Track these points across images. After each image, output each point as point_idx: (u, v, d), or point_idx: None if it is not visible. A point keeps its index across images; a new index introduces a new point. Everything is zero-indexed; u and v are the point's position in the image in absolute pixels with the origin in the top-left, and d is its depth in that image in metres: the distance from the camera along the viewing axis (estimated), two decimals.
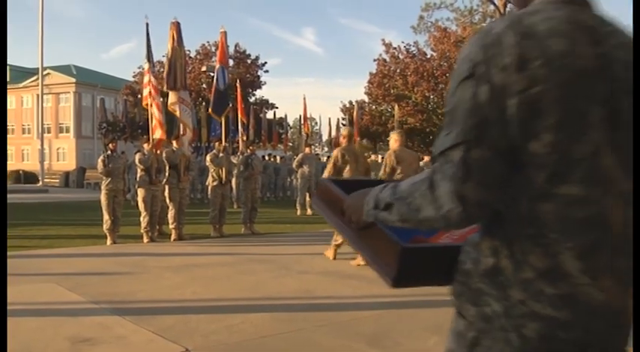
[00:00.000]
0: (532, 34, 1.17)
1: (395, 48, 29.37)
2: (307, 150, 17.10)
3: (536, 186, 1.18)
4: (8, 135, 68.05)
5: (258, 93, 38.10)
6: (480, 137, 1.16)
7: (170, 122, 13.87)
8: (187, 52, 25.77)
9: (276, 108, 38.75)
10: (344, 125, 31.80)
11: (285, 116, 36.99)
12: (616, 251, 1.20)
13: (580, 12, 1.26)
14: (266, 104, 37.53)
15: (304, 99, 27.71)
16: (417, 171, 7.99)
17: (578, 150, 1.16)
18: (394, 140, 8.31)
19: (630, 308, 1.24)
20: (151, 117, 11.28)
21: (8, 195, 19.03)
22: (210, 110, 14.04)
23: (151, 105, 11.26)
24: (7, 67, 66.88)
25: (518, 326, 1.19)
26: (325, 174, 8.04)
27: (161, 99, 11.87)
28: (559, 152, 1.16)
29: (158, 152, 10.38)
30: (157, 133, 11.09)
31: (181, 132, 11.66)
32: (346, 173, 7.78)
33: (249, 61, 36.56)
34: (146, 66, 11.87)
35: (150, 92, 11.47)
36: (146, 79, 11.73)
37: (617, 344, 1.26)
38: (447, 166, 1.17)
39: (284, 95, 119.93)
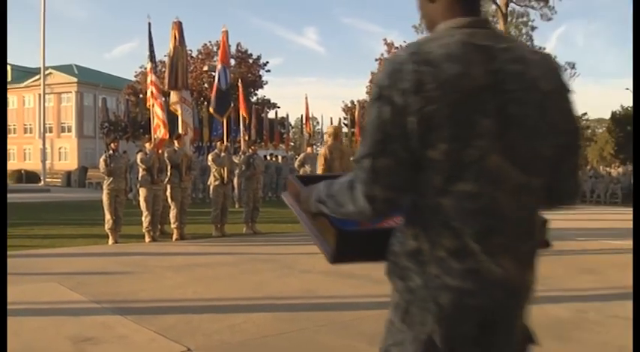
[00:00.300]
0: (428, 61, 1.40)
1: (397, 47, 29.39)
2: (309, 149, 17.05)
3: (437, 184, 1.42)
4: (10, 135, 68.15)
5: (260, 92, 38.17)
6: (384, 149, 1.41)
7: (171, 122, 13.86)
8: (189, 52, 25.77)
9: (278, 107, 38.87)
10: (345, 125, 31.85)
11: (287, 115, 37.01)
12: (511, 235, 1.46)
13: (476, 34, 1.47)
14: (268, 104, 37.53)
15: (306, 98, 27.75)
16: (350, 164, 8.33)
17: (468, 155, 1.40)
18: (328, 135, 8.76)
19: (528, 283, 1.53)
20: (153, 117, 11.27)
21: (10, 195, 19.07)
22: (211, 110, 14.05)
23: (153, 105, 11.25)
24: (10, 67, 67.01)
25: (435, 296, 1.44)
26: (319, 171, 8.20)
27: (163, 99, 11.87)
28: (452, 158, 1.40)
29: (160, 151, 10.38)
30: (159, 133, 11.09)
31: (183, 132, 11.65)
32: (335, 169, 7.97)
33: (250, 61, 36.58)
34: (149, 65, 11.87)
35: (152, 92, 11.47)
36: (149, 78, 11.74)
37: (515, 311, 1.53)
38: (360, 172, 1.45)
39: (286, 95, 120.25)
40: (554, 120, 1.51)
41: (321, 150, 8.64)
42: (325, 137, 9.21)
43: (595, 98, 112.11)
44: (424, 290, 1.45)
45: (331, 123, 31.69)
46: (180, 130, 11.71)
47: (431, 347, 1.44)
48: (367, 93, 31.24)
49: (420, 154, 1.41)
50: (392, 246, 1.54)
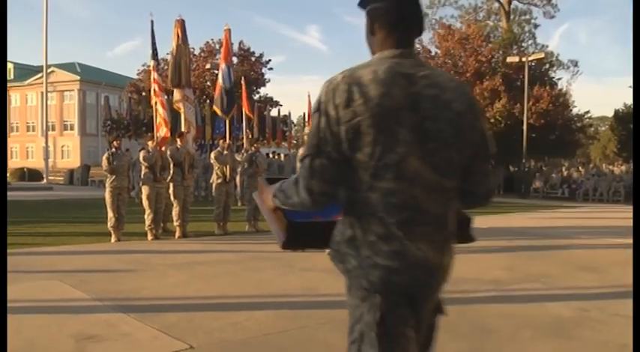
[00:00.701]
0: (358, 83, 1.76)
1: None
2: None
3: (366, 181, 1.77)
4: (13, 133, 68.28)
5: (262, 90, 38.11)
6: (320, 151, 1.77)
7: (174, 120, 13.86)
8: (191, 50, 25.78)
9: (281, 105, 38.83)
10: None
11: (289, 113, 36.96)
12: (428, 225, 1.79)
13: (402, 63, 1.83)
14: (270, 102, 37.49)
15: (309, 96, 27.72)
16: None
17: (390, 158, 1.74)
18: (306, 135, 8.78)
19: (445, 265, 1.86)
20: (156, 115, 11.28)
21: (13, 193, 18.99)
22: (217, 109, 14.04)
23: (156, 103, 11.27)
24: (12, 65, 67.11)
25: (366, 273, 1.77)
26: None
27: (166, 97, 11.88)
28: (376, 160, 1.74)
29: (162, 149, 10.39)
30: (162, 131, 11.11)
31: (185, 130, 11.66)
32: None
33: (253, 59, 36.54)
34: (152, 63, 11.88)
35: (154, 90, 11.49)
36: (152, 76, 11.76)
37: (433, 288, 1.86)
38: (302, 169, 1.80)
39: (288, 93, 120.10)
40: (465, 134, 1.85)
41: (300, 150, 8.77)
42: (304, 136, 9.30)
43: (598, 96, 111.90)
44: (359, 270, 1.79)
45: None
46: (183, 128, 11.72)
47: (378, 317, 1.79)
48: None
49: (350, 156, 1.76)
50: (334, 237, 1.88)
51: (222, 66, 13.46)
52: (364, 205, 1.78)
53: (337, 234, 1.87)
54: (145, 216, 9.72)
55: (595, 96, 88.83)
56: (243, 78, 21.96)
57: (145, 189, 9.90)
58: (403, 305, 1.81)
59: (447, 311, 2.02)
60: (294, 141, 42.70)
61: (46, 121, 34.89)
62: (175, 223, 10.02)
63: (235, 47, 34.39)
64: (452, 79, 1.94)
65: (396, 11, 1.89)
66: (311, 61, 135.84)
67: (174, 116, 13.61)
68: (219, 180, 10.68)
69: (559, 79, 33.42)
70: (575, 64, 43.72)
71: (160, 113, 11.27)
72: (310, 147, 1.80)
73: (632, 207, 16.44)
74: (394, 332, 1.80)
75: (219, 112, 13.93)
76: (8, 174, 34.43)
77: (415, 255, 1.77)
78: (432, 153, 1.79)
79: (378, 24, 1.92)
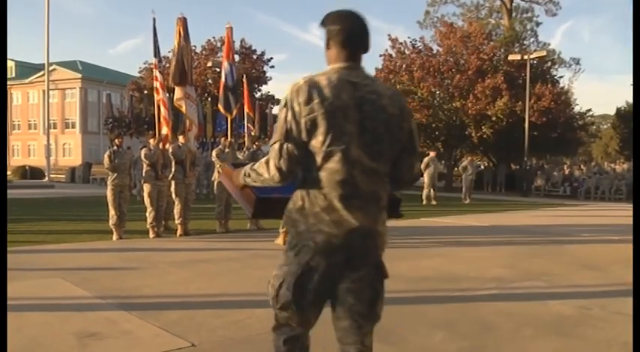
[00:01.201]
0: (316, 86, 2.26)
1: (401, 43, 29.22)
2: None
3: (317, 163, 2.26)
4: (15, 131, 68.35)
5: (264, 88, 38.03)
6: (287, 137, 2.26)
7: (175, 117, 13.87)
8: (193, 48, 25.78)
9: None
10: None
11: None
12: (363, 199, 2.28)
13: (349, 73, 2.34)
14: (272, 100, 37.43)
15: None
16: None
17: (337, 145, 2.24)
18: None
19: (378, 231, 2.34)
20: (158, 113, 11.30)
21: (15, 191, 19.03)
22: (219, 107, 14.03)
23: (159, 101, 11.29)
24: (14, 63, 67.11)
25: (313, 237, 2.28)
26: None
27: (167, 95, 11.88)
28: (326, 146, 2.24)
29: (166, 147, 10.40)
30: (164, 130, 11.13)
31: (187, 128, 11.66)
32: None
33: (254, 57, 36.48)
34: (154, 61, 11.88)
35: (156, 88, 11.49)
36: (155, 73, 11.77)
37: (369, 249, 2.35)
38: (272, 152, 2.28)
39: None
40: (394, 133, 2.37)
41: None
42: None
43: (600, 94, 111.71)
44: (307, 233, 2.30)
45: None
46: (185, 126, 11.72)
47: (307, 268, 2.30)
48: None
49: (307, 142, 2.26)
50: (288, 206, 2.37)
51: (225, 64, 13.46)
52: (314, 182, 2.29)
53: (291, 203, 2.37)
54: (147, 214, 9.72)
55: (597, 94, 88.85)
56: (244, 76, 21.92)
57: (146, 187, 9.91)
58: (333, 268, 2.32)
59: (388, 274, 2.45)
60: None
61: (48, 119, 34.86)
62: (177, 221, 10.03)
63: (237, 45, 34.34)
64: (389, 88, 2.47)
65: (346, 33, 2.39)
66: (313, 59, 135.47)
67: (175, 114, 13.62)
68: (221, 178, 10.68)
69: (561, 77, 33.37)
70: (577, 61, 43.84)
71: (161, 112, 11.27)
72: (279, 134, 2.29)
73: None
74: (310, 286, 2.31)
75: (222, 110, 13.93)
76: (10, 172, 34.46)
77: (351, 222, 2.27)
78: (369, 145, 2.30)
79: (333, 41, 2.40)
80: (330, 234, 2.26)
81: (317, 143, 2.25)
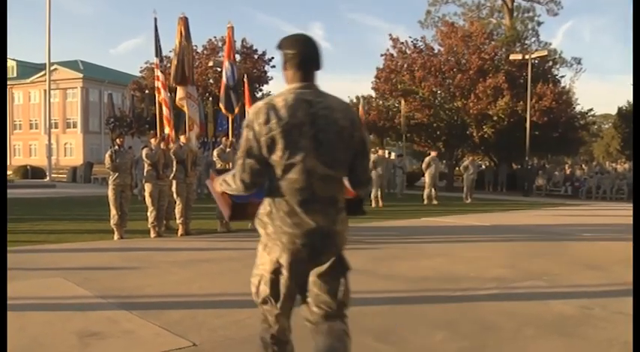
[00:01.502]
0: (274, 108, 2.58)
1: (402, 43, 29.19)
2: None
3: (278, 174, 2.59)
4: (16, 131, 68.39)
5: (265, 88, 38.00)
6: (248, 154, 2.59)
7: (177, 117, 13.86)
8: (194, 47, 25.76)
9: None
10: None
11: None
12: (319, 202, 2.61)
13: (304, 92, 2.65)
14: None
15: None
16: None
17: (294, 158, 2.56)
18: None
19: (336, 231, 2.67)
20: (160, 113, 11.31)
21: (16, 190, 19.06)
22: (221, 106, 14.03)
23: (162, 100, 11.31)
24: (15, 63, 67.16)
25: (279, 237, 2.61)
26: None
27: (169, 95, 11.89)
28: (285, 160, 2.56)
29: (169, 146, 10.41)
30: (166, 130, 11.15)
31: (189, 128, 11.67)
32: None
33: (255, 57, 36.44)
34: (155, 61, 11.89)
35: (157, 87, 11.50)
36: (156, 73, 11.78)
37: (330, 246, 2.67)
38: (237, 167, 2.64)
39: None
40: (347, 142, 2.68)
41: None
42: None
43: (602, 94, 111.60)
44: (274, 234, 2.63)
45: None
46: (186, 126, 11.72)
47: (277, 265, 2.65)
48: (372, 88, 31.04)
49: (268, 157, 2.59)
50: (259, 211, 2.71)
51: (226, 64, 13.45)
52: (278, 190, 2.62)
53: (261, 208, 2.71)
54: (148, 214, 9.73)
55: (599, 94, 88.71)
56: (245, 75, 21.90)
57: (147, 187, 9.91)
58: (299, 263, 2.65)
59: (350, 266, 2.83)
60: None
61: (49, 119, 34.86)
62: (178, 221, 10.03)
63: (238, 45, 34.28)
64: (341, 103, 2.77)
65: (301, 56, 2.70)
66: None
67: (176, 114, 13.62)
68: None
69: (562, 76, 33.34)
70: (579, 61, 43.71)
71: (163, 112, 11.29)
72: (242, 151, 2.64)
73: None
74: (287, 279, 2.67)
75: (223, 110, 13.93)
76: (11, 172, 34.49)
77: (310, 224, 2.60)
78: (324, 155, 2.62)
79: (289, 64, 2.71)
80: (293, 235, 2.61)
81: (277, 157, 2.59)
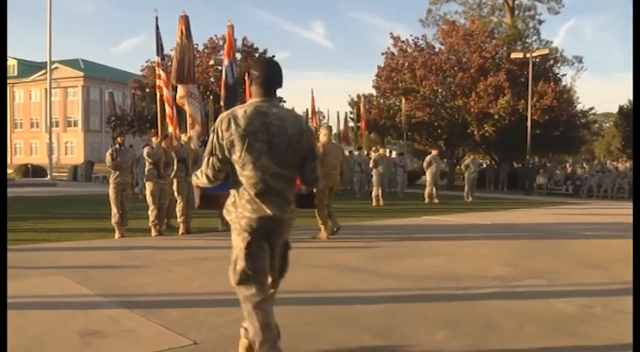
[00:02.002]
0: (235, 117, 3.23)
1: (403, 41, 29.18)
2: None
3: (238, 171, 3.25)
4: (17, 129, 68.41)
5: None
6: (212, 154, 3.29)
7: (178, 116, 13.84)
8: (195, 46, 25.73)
9: (284, 102, 38.69)
10: (352, 119, 31.70)
11: (292, 109, 36.90)
12: (272, 195, 3.25)
13: (262, 106, 3.29)
14: None
15: (312, 93, 27.62)
16: (342, 161, 9.84)
17: (250, 158, 3.21)
18: (323, 134, 9.77)
19: (286, 218, 3.35)
20: (162, 111, 11.31)
21: (17, 189, 19.07)
22: (222, 105, 14.01)
23: (162, 97, 11.30)
24: (16, 61, 67.18)
25: (239, 221, 3.27)
26: None
27: (172, 93, 11.87)
28: (242, 159, 3.22)
29: (174, 145, 10.40)
30: (170, 127, 11.13)
31: (190, 127, 11.65)
32: None
33: (256, 55, 36.42)
34: (157, 59, 11.87)
35: (159, 85, 11.49)
36: (157, 71, 11.76)
37: (280, 231, 3.36)
38: (203, 163, 3.32)
39: (292, 89, 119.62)
40: (295, 147, 3.33)
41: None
42: (321, 136, 9.57)
43: (603, 92, 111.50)
44: (237, 219, 3.31)
45: (337, 118, 31.67)
46: (187, 124, 11.70)
47: (244, 244, 3.30)
48: (373, 87, 31.03)
49: (229, 157, 3.27)
50: (227, 201, 3.39)
51: (225, 62, 13.43)
52: (239, 184, 3.30)
53: (228, 199, 3.40)
54: (149, 212, 9.73)
55: (600, 92, 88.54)
56: (246, 74, 21.91)
57: (148, 186, 9.91)
58: (260, 239, 3.32)
59: (291, 246, 3.66)
60: None
61: (50, 118, 34.88)
62: (179, 219, 10.04)
63: (239, 43, 34.29)
64: (292, 115, 3.47)
65: (263, 78, 3.39)
66: (315, 57, 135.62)
67: (177, 112, 13.59)
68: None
69: (563, 75, 33.38)
70: (580, 60, 43.77)
71: (166, 110, 11.28)
72: (207, 151, 3.34)
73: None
74: (254, 253, 3.32)
75: (224, 109, 13.90)
76: (12, 171, 34.51)
77: (266, 212, 3.28)
78: (275, 156, 3.28)
79: (254, 82, 3.39)
80: (250, 219, 3.28)
81: (236, 157, 3.27)
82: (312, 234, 9.45)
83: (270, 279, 3.49)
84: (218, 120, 3.30)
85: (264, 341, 3.25)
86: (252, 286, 3.31)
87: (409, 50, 29.20)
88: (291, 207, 3.39)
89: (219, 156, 3.29)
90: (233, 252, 3.38)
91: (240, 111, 3.28)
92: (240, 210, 3.29)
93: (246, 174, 3.25)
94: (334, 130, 30.69)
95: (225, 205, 3.38)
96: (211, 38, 35.36)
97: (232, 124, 3.24)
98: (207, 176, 3.38)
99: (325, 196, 9.53)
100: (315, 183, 3.57)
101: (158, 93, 11.57)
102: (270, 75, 3.40)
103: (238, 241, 3.34)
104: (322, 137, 9.70)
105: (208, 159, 3.32)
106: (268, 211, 3.26)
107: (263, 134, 3.24)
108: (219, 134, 3.27)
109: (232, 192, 3.35)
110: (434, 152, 20.06)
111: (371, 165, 18.03)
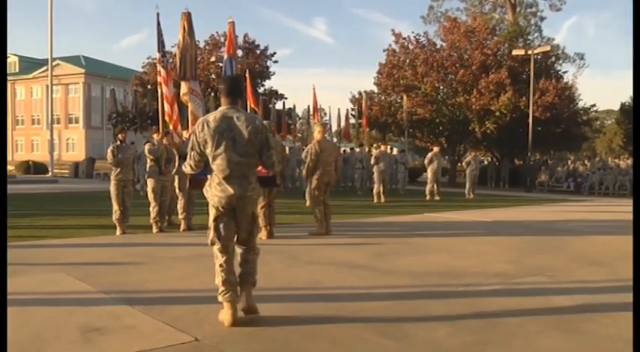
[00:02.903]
0: (207, 121, 4.41)
1: (405, 38, 29.15)
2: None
3: (211, 161, 4.40)
4: (18, 126, 68.44)
5: (268, 83, 37.95)
6: (192, 149, 4.46)
7: (180, 112, 13.84)
8: (197, 43, 25.75)
9: (286, 98, 38.63)
10: (353, 116, 31.68)
11: (294, 106, 36.84)
12: (236, 178, 4.36)
13: (228, 111, 4.44)
14: (275, 95, 37.36)
15: (314, 89, 27.62)
16: (337, 158, 9.96)
17: (219, 151, 4.34)
18: (318, 132, 9.85)
19: (248, 196, 4.45)
20: (162, 108, 11.30)
21: (18, 186, 19.07)
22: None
23: (161, 96, 11.29)
24: (17, 58, 67.18)
25: (212, 199, 4.45)
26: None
27: (174, 90, 11.87)
28: (213, 152, 4.35)
29: (175, 142, 10.39)
30: (170, 125, 11.13)
31: (191, 123, 11.64)
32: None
33: (257, 52, 36.41)
34: (158, 56, 11.87)
35: (159, 83, 11.49)
36: (158, 68, 11.76)
37: (245, 206, 4.47)
38: (187, 157, 4.50)
39: (293, 86, 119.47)
40: (253, 141, 4.37)
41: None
42: (315, 134, 9.62)
43: (604, 89, 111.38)
44: (211, 198, 4.42)
45: (338, 115, 31.64)
46: (189, 121, 11.70)
47: (217, 217, 4.44)
48: (374, 84, 31.02)
49: (204, 151, 4.37)
50: (206, 184, 4.47)
51: (225, 58, 13.45)
52: (212, 170, 4.38)
53: (206, 183, 4.47)
54: (150, 209, 9.73)
55: (603, 89, 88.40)
56: (247, 71, 21.87)
57: (150, 182, 9.91)
58: (227, 214, 4.41)
59: (257, 215, 4.99)
60: (299, 135, 42.64)
61: (51, 114, 34.93)
62: (180, 216, 10.03)
63: (240, 40, 34.28)
64: (251, 117, 4.54)
65: (227, 90, 4.52)
66: (317, 54, 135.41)
67: (179, 109, 13.58)
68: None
69: (565, 72, 33.30)
70: (582, 56, 43.71)
71: (165, 108, 11.28)
72: (190, 148, 4.42)
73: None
74: (220, 225, 4.43)
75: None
76: (13, 167, 34.52)
77: (230, 191, 4.33)
78: (238, 149, 4.32)
79: (221, 94, 4.55)
80: (220, 197, 4.38)
81: (209, 151, 4.35)
82: (310, 231, 9.48)
83: (236, 240, 4.57)
84: (196, 123, 4.49)
85: (224, 292, 4.41)
86: (219, 246, 4.45)
87: (410, 47, 29.16)
88: (252, 186, 4.45)
89: (197, 151, 4.42)
90: (210, 220, 4.49)
91: (211, 116, 4.42)
92: (213, 190, 4.41)
93: (216, 163, 4.35)
94: (335, 127, 30.69)
95: (205, 186, 4.51)
96: (212, 35, 35.39)
97: (205, 127, 4.35)
98: (190, 166, 4.51)
99: (321, 192, 9.56)
100: (272, 166, 4.63)
101: (159, 90, 11.57)
102: (233, 88, 4.57)
103: (210, 215, 4.49)
104: (317, 134, 9.79)
105: (190, 153, 4.46)
106: (232, 191, 4.35)
107: (228, 133, 4.33)
108: (197, 134, 4.40)
109: (209, 177, 4.46)
110: (435, 149, 20.04)
111: (372, 162, 18.01)
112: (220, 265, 4.43)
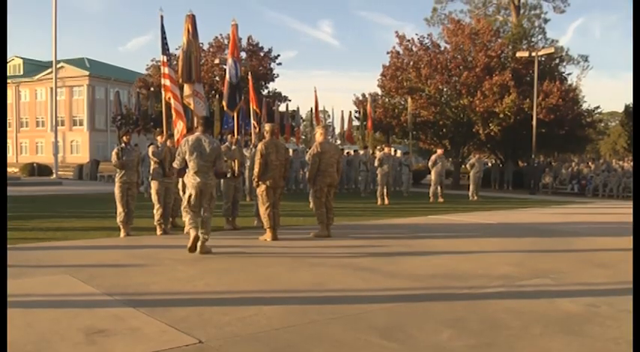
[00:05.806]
0: (188, 140, 7.98)
1: (408, 40, 29.10)
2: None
3: (189, 164, 7.93)
4: (22, 128, 68.62)
5: (271, 86, 37.94)
6: (178, 156, 8.08)
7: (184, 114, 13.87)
8: (200, 45, 25.77)
9: (289, 101, 38.63)
10: (357, 118, 31.66)
11: (298, 108, 36.85)
12: (203, 172, 7.88)
13: (200, 136, 7.94)
14: (279, 97, 37.36)
15: (315, 91, 27.83)
16: (338, 160, 9.99)
17: (192, 159, 7.88)
18: (320, 134, 9.94)
19: (209, 183, 7.97)
20: (169, 110, 11.32)
21: (22, 188, 19.14)
22: (224, 104, 14.05)
23: (170, 98, 11.31)
24: (21, 61, 67.40)
25: (189, 182, 7.98)
26: (256, 166, 9.20)
27: (179, 91, 11.88)
28: (189, 159, 7.90)
29: (172, 144, 10.39)
30: (179, 125, 11.13)
31: (195, 125, 11.66)
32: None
33: (261, 54, 36.42)
34: (162, 58, 11.89)
35: (165, 85, 11.51)
36: (163, 70, 11.77)
37: (207, 188, 7.97)
38: (176, 159, 8.21)
39: (299, 88, 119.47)
40: (211, 153, 7.92)
41: (259, 146, 9.30)
42: (317, 136, 9.66)
43: (609, 91, 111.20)
44: (188, 183, 8.00)
45: (342, 117, 31.65)
46: (193, 124, 11.71)
47: (191, 193, 7.91)
48: (378, 86, 30.97)
49: (186, 158, 7.91)
50: (185, 173, 8.11)
51: (229, 61, 13.46)
52: (188, 168, 7.91)
53: (186, 173, 8.05)
54: (154, 211, 9.75)
55: (607, 91, 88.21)
56: (250, 73, 21.88)
57: (154, 184, 9.93)
58: (197, 193, 7.85)
59: (215, 196, 8.22)
60: (303, 137, 42.63)
61: (56, 117, 35.01)
62: (184, 218, 10.02)
63: (244, 42, 34.32)
64: (211, 139, 8.04)
65: (203, 124, 8.13)
66: (322, 56, 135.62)
67: (184, 111, 13.61)
68: (228, 175, 10.68)
69: (569, 74, 33.25)
70: (586, 58, 43.63)
71: (175, 109, 11.28)
72: (177, 154, 8.08)
73: None
74: (194, 199, 7.85)
75: (225, 107, 13.92)
76: (18, 169, 34.61)
77: (199, 180, 7.81)
78: (203, 158, 7.82)
79: (197, 124, 8.31)
80: (193, 183, 7.78)
81: (188, 158, 7.80)
82: (314, 233, 9.48)
83: (203, 209, 7.83)
84: (182, 141, 7.95)
85: (191, 224, 7.68)
86: (191, 213, 7.73)
87: (414, 49, 29.13)
88: (210, 177, 7.88)
89: (182, 157, 7.82)
90: (186, 194, 7.91)
91: (191, 138, 7.84)
92: (189, 179, 7.82)
93: (190, 164, 7.77)
94: (338, 129, 30.66)
95: (185, 175, 7.86)
96: (216, 37, 35.41)
97: (186, 144, 7.81)
98: (178, 165, 7.95)
99: (323, 194, 9.58)
100: (221, 167, 8.19)
101: (163, 92, 11.59)
102: (206, 124, 8.04)
103: (187, 192, 7.90)
104: (318, 136, 9.83)
105: (177, 157, 7.92)
106: (200, 180, 7.74)
107: (198, 148, 7.75)
108: (181, 148, 7.87)
109: (187, 170, 7.83)
110: (439, 151, 20.02)
111: (376, 164, 18.00)
112: (190, 217, 7.72)
